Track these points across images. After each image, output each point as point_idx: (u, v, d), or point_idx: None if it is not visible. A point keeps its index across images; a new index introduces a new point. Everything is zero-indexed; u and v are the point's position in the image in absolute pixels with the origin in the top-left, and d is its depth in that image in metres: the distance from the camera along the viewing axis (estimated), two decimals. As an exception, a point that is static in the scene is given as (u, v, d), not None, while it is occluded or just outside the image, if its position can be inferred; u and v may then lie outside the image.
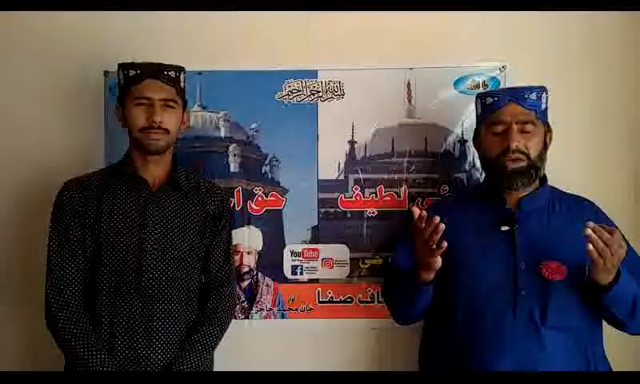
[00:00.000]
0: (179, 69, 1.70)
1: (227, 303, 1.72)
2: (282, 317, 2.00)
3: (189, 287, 1.68)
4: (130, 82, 1.64)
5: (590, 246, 1.35)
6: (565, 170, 1.82)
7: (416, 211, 1.46)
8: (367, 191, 2.00)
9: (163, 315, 1.62)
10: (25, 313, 1.96)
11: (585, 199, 1.68)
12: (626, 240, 1.42)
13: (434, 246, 1.43)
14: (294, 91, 1.99)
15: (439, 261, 1.46)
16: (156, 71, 1.65)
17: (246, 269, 1.99)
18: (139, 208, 1.65)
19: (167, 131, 1.65)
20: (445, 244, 1.42)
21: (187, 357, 1.61)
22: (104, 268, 1.61)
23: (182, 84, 1.71)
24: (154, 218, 1.65)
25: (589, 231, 1.34)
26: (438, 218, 1.42)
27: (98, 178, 1.70)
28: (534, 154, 1.57)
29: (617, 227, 1.44)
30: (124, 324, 1.60)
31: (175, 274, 1.65)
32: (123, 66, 1.67)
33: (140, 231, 1.63)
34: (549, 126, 1.64)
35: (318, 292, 2.00)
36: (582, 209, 1.63)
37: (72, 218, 1.63)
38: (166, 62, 1.72)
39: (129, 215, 1.65)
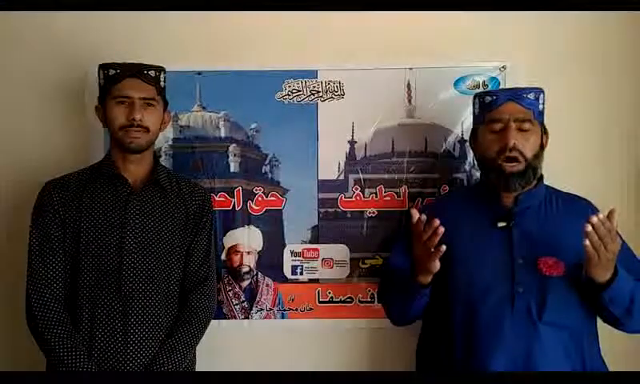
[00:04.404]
0: (159, 69, 1.71)
1: (207, 302, 1.72)
2: (282, 317, 2.00)
3: (169, 286, 1.68)
4: (111, 81, 1.65)
5: (587, 241, 1.36)
6: (565, 170, 1.82)
7: (415, 214, 1.47)
8: (367, 191, 2.00)
9: (142, 314, 1.62)
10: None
11: (581, 198, 1.68)
12: (621, 237, 1.42)
13: (432, 249, 1.43)
14: (294, 91, 1.99)
15: (437, 264, 1.47)
16: (136, 70, 1.66)
17: (246, 269, 1.99)
18: (120, 207, 1.66)
19: (147, 129, 1.65)
20: (443, 247, 1.43)
21: (167, 356, 1.62)
22: (84, 267, 1.62)
23: (162, 83, 1.72)
24: (135, 217, 1.66)
25: (588, 227, 1.35)
26: (437, 221, 1.43)
27: (79, 177, 1.71)
28: (530, 154, 1.57)
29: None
30: (103, 322, 1.60)
31: (155, 272, 1.65)
32: (103, 66, 1.68)
33: (120, 230, 1.64)
34: (545, 129, 1.65)
35: (318, 292, 2.00)
36: (578, 207, 1.64)
37: (52, 217, 1.64)
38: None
39: (109, 214, 1.65)
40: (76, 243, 1.63)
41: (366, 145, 2.00)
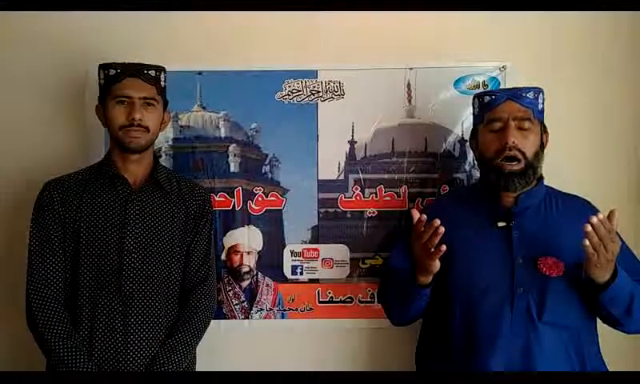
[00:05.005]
0: (159, 68, 1.71)
1: (207, 302, 1.72)
2: (282, 317, 2.00)
3: (168, 286, 1.68)
4: (111, 81, 1.66)
5: (586, 241, 1.36)
6: (565, 170, 1.83)
7: (415, 214, 1.47)
8: (367, 191, 2.00)
9: (142, 314, 1.63)
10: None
11: (581, 198, 1.68)
12: (621, 238, 1.42)
13: (433, 249, 1.43)
14: (294, 91, 1.99)
15: (437, 264, 1.47)
16: (136, 70, 1.66)
17: (246, 269, 1.99)
18: (120, 207, 1.66)
19: (147, 129, 1.66)
20: (444, 247, 1.43)
21: (168, 356, 1.62)
22: (84, 267, 1.62)
23: (162, 83, 1.72)
24: (135, 217, 1.66)
25: (588, 227, 1.35)
26: (438, 221, 1.42)
27: (79, 177, 1.71)
28: (530, 153, 1.57)
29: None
30: (103, 322, 1.61)
31: (155, 272, 1.65)
32: (104, 66, 1.68)
33: (120, 230, 1.64)
34: (545, 128, 1.64)
35: (318, 292, 2.00)
36: (578, 207, 1.64)
37: (52, 217, 1.64)
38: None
39: (109, 214, 1.65)
40: (76, 243, 1.63)
41: (366, 145, 2.00)
